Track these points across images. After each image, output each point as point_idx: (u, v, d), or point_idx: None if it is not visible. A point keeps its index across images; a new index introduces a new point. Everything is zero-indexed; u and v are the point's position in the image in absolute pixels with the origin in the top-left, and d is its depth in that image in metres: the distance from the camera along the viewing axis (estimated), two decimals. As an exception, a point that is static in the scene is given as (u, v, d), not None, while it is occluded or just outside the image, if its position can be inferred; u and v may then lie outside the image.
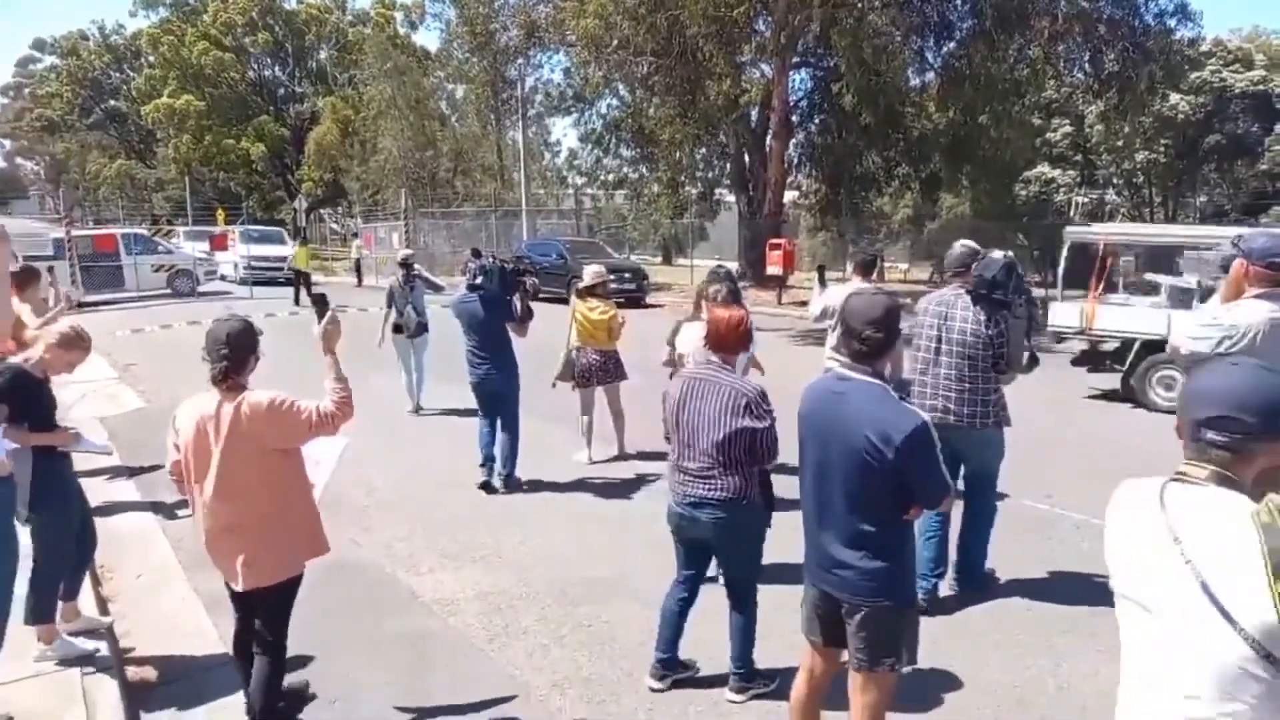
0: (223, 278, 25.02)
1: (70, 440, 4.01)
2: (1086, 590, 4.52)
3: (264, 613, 3.19)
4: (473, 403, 6.71)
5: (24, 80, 55.88)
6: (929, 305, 4.50)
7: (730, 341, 3.52)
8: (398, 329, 8.86)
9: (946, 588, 4.56)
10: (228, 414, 2.99)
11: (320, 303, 3.54)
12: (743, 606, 3.62)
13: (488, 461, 6.48)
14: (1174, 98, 23.32)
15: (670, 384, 3.65)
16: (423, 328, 8.96)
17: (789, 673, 3.21)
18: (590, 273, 7.16)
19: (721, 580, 3.70)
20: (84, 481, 4.49)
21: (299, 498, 3.23)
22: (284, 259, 24.07)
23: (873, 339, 2.67)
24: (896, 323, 2.74)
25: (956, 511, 4.30)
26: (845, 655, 2.86)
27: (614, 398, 7.20)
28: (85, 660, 3.87)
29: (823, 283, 7.31)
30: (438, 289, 10.98)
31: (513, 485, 6.48)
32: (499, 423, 6.48)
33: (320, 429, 3.07)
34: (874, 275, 6.32)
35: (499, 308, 6.38)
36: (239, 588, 3.14)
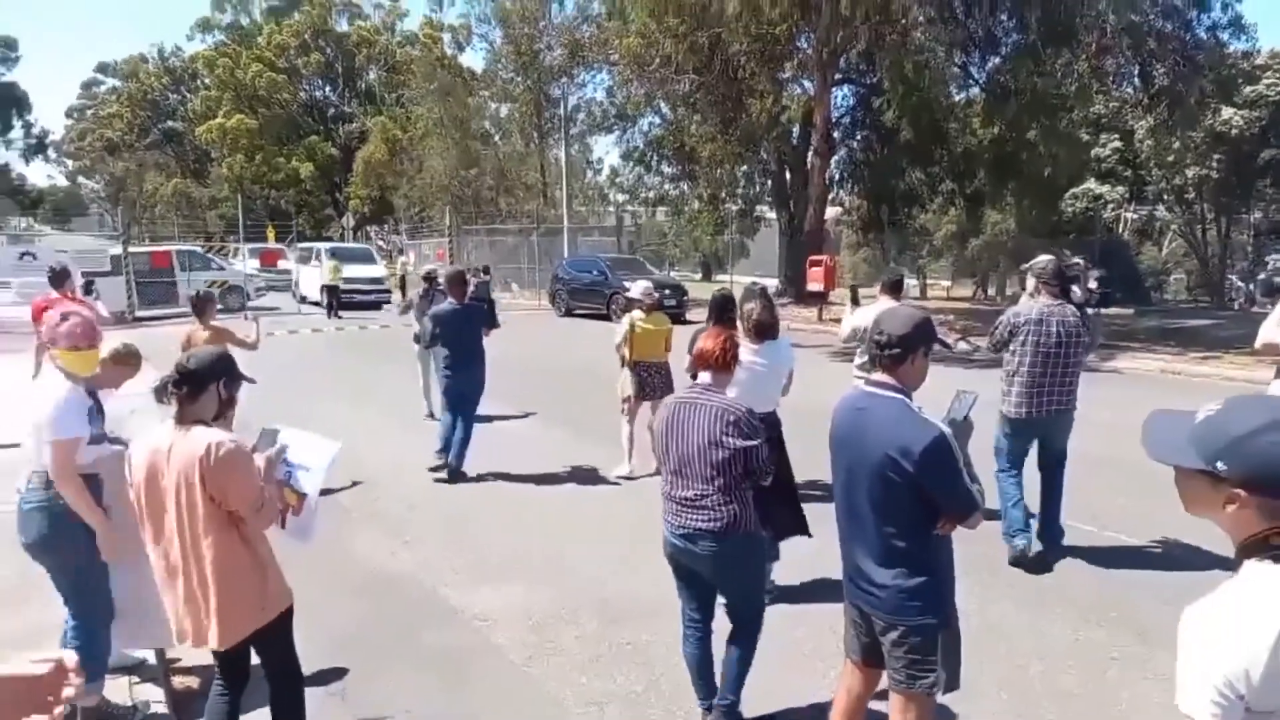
0: (303, 299, 23.40)
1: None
2: (1135, 612, 4.40)
3: (264, 652, 2.96)
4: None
5: (87, 102, 57.94)
6: (1039, 315, 5.14)
7: (718, 364, 3.38)
8: (416, 338, 9.37)
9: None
10: (181, 453, 2.71)
11: (268, 437, 3.17)
12: (743, 637, 3.41)
13: (445, 450, 7.19)
14: (1227, 112, 22.74)
15: (657, 411, 3.53)
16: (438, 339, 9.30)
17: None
18: (642, 289, 7.34)
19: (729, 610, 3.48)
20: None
21: (263, 546, 2.92)
22: (380, 280, 23.83)
23: (895, 352, 2.70)
24: (923, 335, 2.73)
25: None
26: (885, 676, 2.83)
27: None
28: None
29: (855, 302, 7.30)
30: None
31: (457, 477, 7.10)
32: (459, 419, 7.18)
33: (258, 517, 2.81)
34: (901, 295, 6.34)
35: (485, 318, 7.67)
36: (215, 646, 2.83)
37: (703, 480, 3.22)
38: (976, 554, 5.22)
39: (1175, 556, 5.41)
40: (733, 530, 3.22)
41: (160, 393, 2.88)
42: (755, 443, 3.22)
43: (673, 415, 3.34)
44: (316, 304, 22.49)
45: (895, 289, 6.27)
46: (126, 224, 24.09)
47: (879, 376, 2.76)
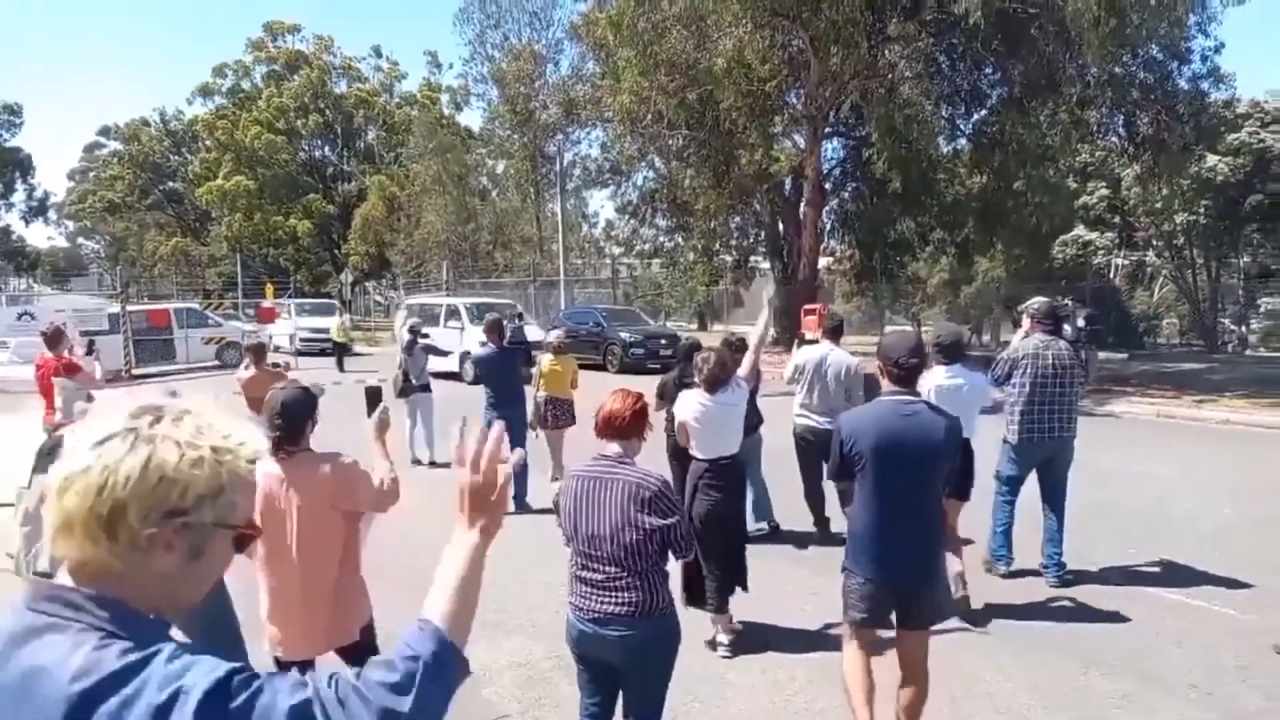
0: (276, 349, 25.14)
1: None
2: (1137, 659, 4.35)
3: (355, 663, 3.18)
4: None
5: (89, 165, 58.78)
6: (1034, 349, 5.60)
7: (626, 428, 3.12)
8: (395, 386, 9.87)
9: (1049, 583, 5.59)
10: (298, 476, 3.07)
11: (373, 396, 3.62)
12: None
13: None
14: (1212, 159, 23.12)
15: (564, 483, 3.27)
16: (420, 388, 9.91)
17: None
18: (554, 335, 8.99)
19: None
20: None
21: (356, 565, 3.25)
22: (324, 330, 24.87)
23: (909, 365, 3.48)
24: (924, 353, 3.56)
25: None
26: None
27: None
28: None
29: (802, 343, 7.63)
30: (441, 354, 12.14)
31: (522, 506, 7.43)
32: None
33: (384, 499, 3.19)
34: (840, 338, 6.92)
35: (523, 358, 8.40)
36: (313, 654, 3.13)
37: (614, 562, 2.97)
38: (978, 602, 5.18)
39: (1176, 603, 5.36)
40: (646, 615, 2.97)
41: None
42: (672, 521, 2.97)
43: (580, 489, 3.05)
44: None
45: (835, 334, 6.84)
46: (125, 283, 24.29)
47: (897, 386, 3.54)
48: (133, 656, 0.98)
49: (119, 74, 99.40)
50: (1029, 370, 5.56)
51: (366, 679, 1.06)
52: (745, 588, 4.83)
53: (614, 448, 3.10)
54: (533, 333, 15.41)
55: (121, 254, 57.44)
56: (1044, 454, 5.71)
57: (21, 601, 1.04)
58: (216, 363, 22.02)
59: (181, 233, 54.33)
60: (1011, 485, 5.80)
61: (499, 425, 1.37)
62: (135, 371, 19.90)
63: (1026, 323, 5.86)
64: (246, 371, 7.96)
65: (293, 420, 3.11)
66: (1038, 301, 6.05)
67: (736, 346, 6.17)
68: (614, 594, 2.97)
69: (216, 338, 22.62)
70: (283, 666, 3.09)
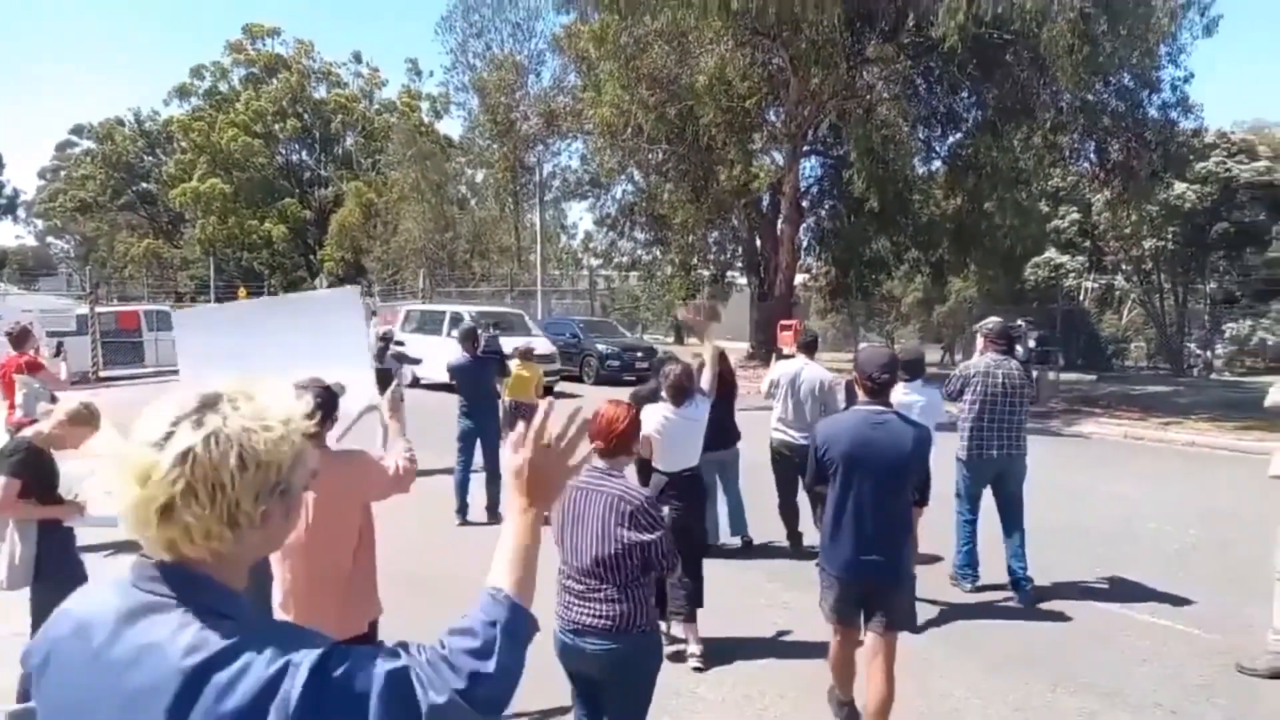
0: None
1: (76, 513, 4.04)
2: (1103, 675, 4.39)
3: None
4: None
5: (61, 163, 57.89)
6: (985, 368, 5.76)
7: (613, 443, 3.13)
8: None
9: (1016, 603, 5.66)
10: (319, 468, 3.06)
11: (385, 376, 3.68)
12: None
13: (463, 510, 7.68)
14: (1180, 186, 23.61)
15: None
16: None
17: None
18: (523, 344, 9.59)
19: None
20: (86, 556, 4.48)
21: (371, 558, 3.25)
22: None
23: (882, 380, 3.75)
24: (895, 369, 3.92)
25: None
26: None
27: None
28: None
29: (779, 358, 7.75)
30: (414, 361, 12.20)
31: (495, 516, 7.36)
32: (485, 460, 7.70)
33: (400, 482, 3.20)
34: (815, 353, 7.12)
35: (498, 367, 8.43)
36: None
37: (592, 575, 2.98)
38: (947, 619, 5.21)
39: (1142, 622, 5.43)
40: (624, 630, 2.94)
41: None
42: (653, 537, 2.96)
43: (568, 499, 3.08)
44: None
45: (810, 349, 7.05)
46: (95, 284, 23.88)
47: (870, 398, 3.81)
48: (239, 633, 1.08)
49: (94, 72, 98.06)
50: (979, 388, 5.73)
51: (451, 646, 1.16)
52: (701, 602, 4.87)
53: (598, 463, 3.10)
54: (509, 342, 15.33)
55: (92, 254, 56.49)
56: (994, 470, 5.83)
57: (129, 580, 1.13)
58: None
59: (154, 234, 53.57)
60: (970, 502, 5.93)
61: (580, 412, 1.48)
62: (103, 374, 19.56)
63: (980, 342, 6.08)
64: None
65: (321, 414, 3.15)
66: (991, 321, 6.22)
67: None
68: (592, 605, 2.97)
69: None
70: None
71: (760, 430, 6.91)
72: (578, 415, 1.43)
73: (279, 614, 3.19)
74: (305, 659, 1.05)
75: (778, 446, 6.66)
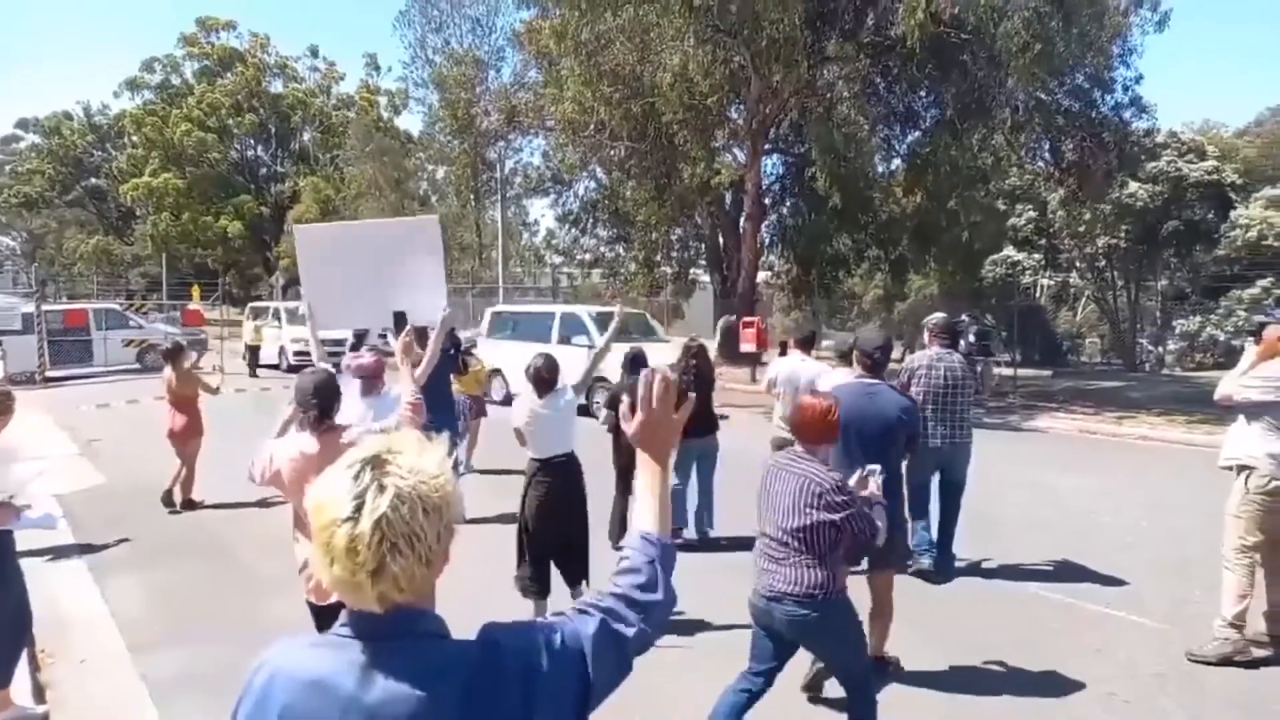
0: (266, 366, 21.54)
1: (12, 516, 3.88)
2: (1061, 664, 4.43)
3: None
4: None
5: (6, 158, 56.20)
6: (929, 361, 6.07)
7: (810, 432, 3.46)
8: None
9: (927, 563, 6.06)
10: (333, 449, 3.16)
11: (400, 319, 4.26)
12: (855, 706, 3.51)
13: None
14: (1133, 185, 24.15)
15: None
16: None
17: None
18: (464, 338, 10.20)
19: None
20: (28, 561, 4.32)
21: None
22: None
23: (879, 357, 4.56)
24: (891, 349, 4.56)
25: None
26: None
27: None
28: None
29: (784, 354, 7.75)
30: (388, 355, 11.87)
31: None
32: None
33: (407, 423, 3.39)
34: (813, 349, 7.32)
35: (450, 364, 8.23)
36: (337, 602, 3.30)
37: (783, 542, 3.36)
38: (899, 612, 5.23)
39: (1095, 613, 5.50)
40: (812, 597, 3.30)
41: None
42: (841, 515, 3.28)
43: (768, 475, 3.50)
44: None
45: (807, 344, 7.25)
46: (41, 281, 23.19)
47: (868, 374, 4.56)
48: (469, 642, 1.29)
49: (39, 64, 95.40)
50: (924, 380, 6.02)
51: (623, 585, 1.44)
52: (588, 579, 4.96)
53: (800, 446, 3.48)
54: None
55: (39, 252, 54.99)
56: (939, 459, 6.08)
57: (345, 634, 1.26)
58: (137, 365, 21.16)
59: (104, 231, 52.27)
60: (920, 491, 6.15)
61: (660, 373, 1.62)
62: (50, 374, 19.00)
63: (925, 336, 6.37)
64: (169, 372, 8.20)
65: (326, 399, 3.43)
66: (936, 317, 6.52)
67: (695, 352, 6.96)
68: (781, 573, 3.35)
69: (137, 340, 21.71)
70: (314, 610, 3.44)
71: (757, 428, 6.91)
72: (654, 378, 1.59)
73: (301, 578, 3.45)
74: (536, 642, 1.29)
75: (778, 444, 6.66)
